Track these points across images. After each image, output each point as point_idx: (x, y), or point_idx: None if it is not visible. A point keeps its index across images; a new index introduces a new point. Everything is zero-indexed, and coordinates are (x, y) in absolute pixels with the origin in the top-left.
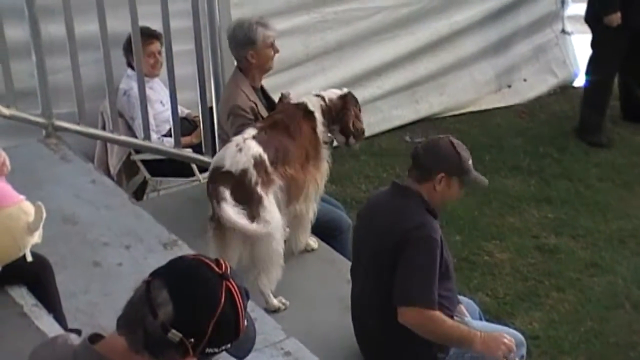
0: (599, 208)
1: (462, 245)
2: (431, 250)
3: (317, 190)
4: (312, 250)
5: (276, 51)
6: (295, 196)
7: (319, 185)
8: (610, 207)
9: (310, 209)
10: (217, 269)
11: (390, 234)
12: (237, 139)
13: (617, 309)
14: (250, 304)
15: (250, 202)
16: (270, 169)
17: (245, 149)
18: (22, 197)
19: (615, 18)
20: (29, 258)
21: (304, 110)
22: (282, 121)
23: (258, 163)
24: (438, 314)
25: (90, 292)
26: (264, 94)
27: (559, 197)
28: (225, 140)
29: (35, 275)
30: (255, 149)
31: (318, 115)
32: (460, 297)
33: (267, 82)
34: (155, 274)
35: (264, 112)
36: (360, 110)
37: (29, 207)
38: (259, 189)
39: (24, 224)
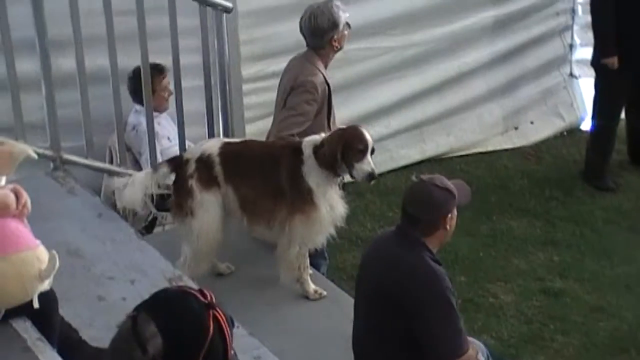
0: (605, 252)
1: (466, 286)
2: (450, 301)
3: (301, 233)
4: (307, 297)
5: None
6: (255, 219)
7: (302, 229)
8: (616, 251)
9: (292, 248)
10: (202, 298)
11: (397, 286)
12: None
13: (622, 355)
14: (255, 343)
15: (179, 190)
16: (217, 171)
17: (202, 144)
18: (38, 242)
19: (612, 61)
20: (36, 305)
21: (294, 147)
22: (264, 147)
23: (203, 160)
24: (471, 353)
25: (94, 327)
26: None
27: (565, 240)
28: None
29: (39, 308)
30: (209, 147)
31: (307, 153)
32: (470, 339)
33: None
34: (140, 307)
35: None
36: (341, 143)
37: (43, 254)
38: (192, 183)
39: (36, 270)
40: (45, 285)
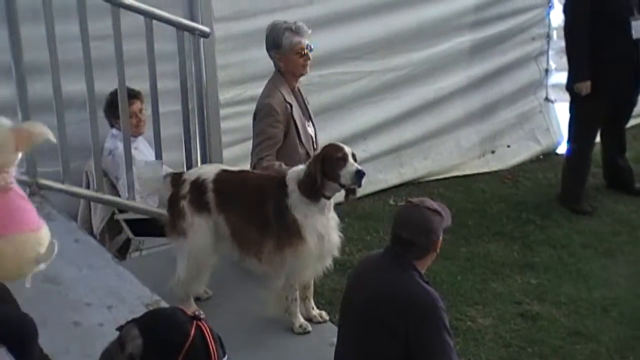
0: (582, 275)
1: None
2: (445, 322)
3: (288, 266)
4: (291, 329)
5: (306, 59)
6: (244, 250)
7: (290, 263)
8: (593, 275)
9: (278, 280)
10: (189, 313)
11: (394, 311)
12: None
13: None
14: None
15: (172, 209)
16: (209, 197)
17: (200, 167)
18: (42, 222)
19: (584, 86)
20: (28, 284)
21: (279, 180)
22: (255, 179)
23: (198, 184)
24: None
25: (70, 353)
26: (302, 96)
27: (542, 264)
28: None
29: (17, 335)
30: (205, 172)
31: (292, 187)
32: None
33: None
34: (132, 319)
35: (298, 114)
36: (334, 158)
37: (44, 238)
38: (184, 204)
39: (35, 254)
40: (42, 267)
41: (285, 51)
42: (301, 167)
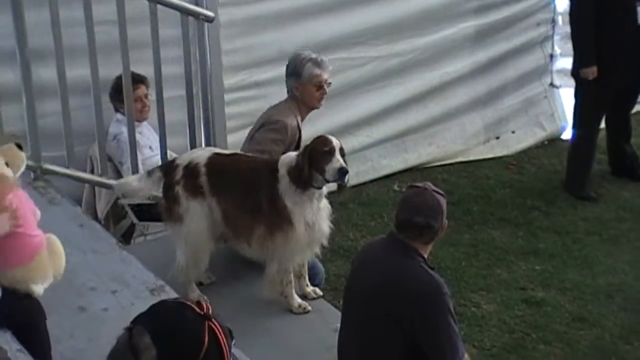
0: (587, 262)
1: None
2: (449, 306)
3: (279, 251)
4: (291, 311)
5: (322, 93)
6: (236, 235)
7: (280, 247)
8: (598, 261)
9: (272, 264)
10: (198, 310)
11: (401, 298)
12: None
13: None
14: (238, 353)
15: (167, 195)
16: (202, 181)
17: (192, 151)
18: (38, 247)
19: (591, 72)
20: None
21: (271, 165)
22: (248, 163)
23: (190, 168)
24: (467, 357)
25: (75, 338)
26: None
27: (547, 250)
28: None
29: (23, 320)
30: (198, 156)
31: (282, 173)
32: None
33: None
34: (137, 320)
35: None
36: (322, 151)
37: (35, 269)
38: (178, 189)
39: (25, 286)
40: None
41: (304, 81)
42: (294, 153)
